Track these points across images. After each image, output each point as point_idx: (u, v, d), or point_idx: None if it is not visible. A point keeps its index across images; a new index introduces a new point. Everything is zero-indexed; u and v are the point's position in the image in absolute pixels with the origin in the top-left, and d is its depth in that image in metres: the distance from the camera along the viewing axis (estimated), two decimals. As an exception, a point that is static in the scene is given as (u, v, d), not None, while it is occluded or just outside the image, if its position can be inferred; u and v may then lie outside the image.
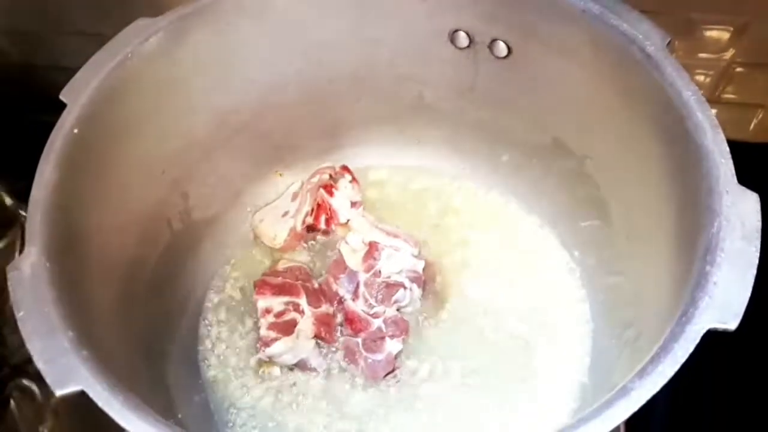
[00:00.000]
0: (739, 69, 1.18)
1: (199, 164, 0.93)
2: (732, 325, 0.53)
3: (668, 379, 0.50)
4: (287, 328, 0.85)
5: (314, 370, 0.88)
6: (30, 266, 0.59)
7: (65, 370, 0.53)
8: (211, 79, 0.86)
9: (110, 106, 0.74)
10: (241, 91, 0.91)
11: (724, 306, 0.54)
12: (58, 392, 0.51)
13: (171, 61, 0.79)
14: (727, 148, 0.64)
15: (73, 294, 0.60)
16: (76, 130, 0.70)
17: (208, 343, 0.91)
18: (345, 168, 1.03)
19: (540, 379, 0.87)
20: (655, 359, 0.52)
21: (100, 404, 0.50)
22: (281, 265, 0.94)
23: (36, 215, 0.63)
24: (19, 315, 0.56)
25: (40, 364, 0.52)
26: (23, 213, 0.98)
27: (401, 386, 0.86)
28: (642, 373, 0.51)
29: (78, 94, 0.72)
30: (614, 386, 0.53)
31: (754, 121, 1.23)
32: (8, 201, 1.07)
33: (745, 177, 0.63)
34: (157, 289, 0.85)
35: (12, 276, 0.58)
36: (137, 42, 0.76)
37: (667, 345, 0.53)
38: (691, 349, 0.52)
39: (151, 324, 0.81)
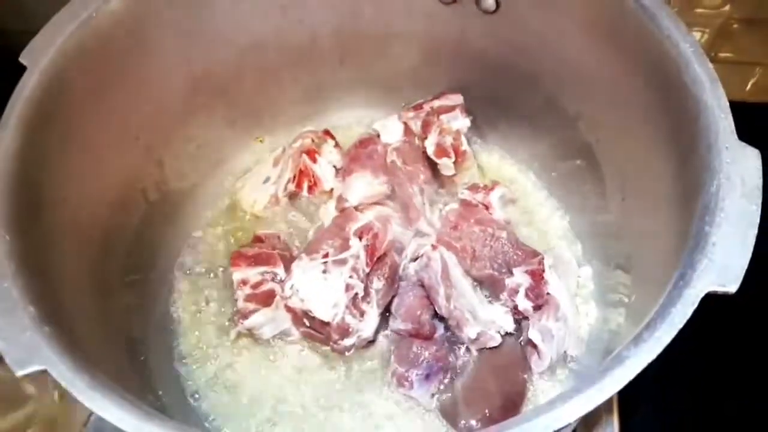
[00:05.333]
0: (735, 25, 1.14)
1: (175, 130, 0.89)
2: (732, 287, 0.51)
3: (665, 346, 0.48)
4: (265, 298, 0.82)
5: (295, 342, 0.85)
6: (-13, 239, 0.56)
7: (26, 348, 0.49)
8: (182, 39, 0.81)
9: (74, 68, 0.70)
10: (216, 53, 0.87)
11: (723, 268, 0.51)
12: (19, 372, 0.48)
13: (138, 20, 0.75)
14: (727, 103, 0.61)
15: (36, 268, 0.57)
16: (37, 94, 0.65)
17: (185, 316, 0.88)
18: (327, 132, 0.99)
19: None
20: (651, 325, 0.49)
21: (63, 384, 0.47)
22: (260, 232, 0.91)
23: (-6, 185, 0.59)
24: (-25, 291, 0.53)
25: (-1, 342, 0.49)
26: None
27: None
28: (637, 340, 0.49)
29: (39, 57, 0.68)
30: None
31: (752, 80, 1.19)
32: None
33: (742, 138, 0.59)
34: (133, 262, 0.82)
35: (-33, 250, 0.55)
36: (101, 0, 0.71)
37: (665, 309, 0.50)
38: (689, 313, 0.49)
39: (125, 298, 0.78)
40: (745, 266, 0.51)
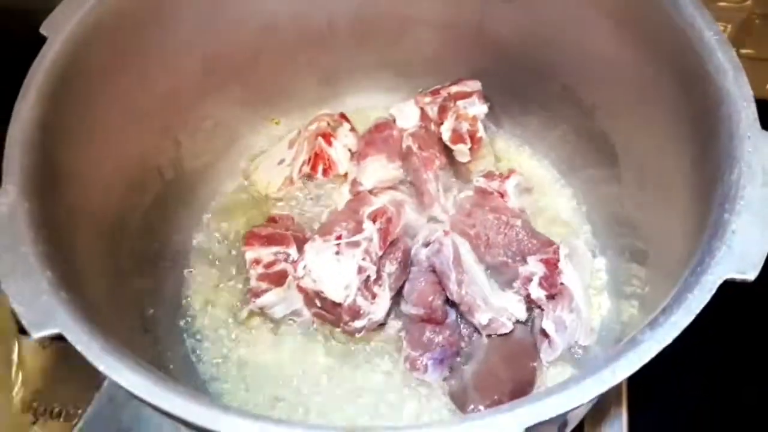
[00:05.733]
0: (757, 21, 1.13)
1: (191, 110, 0.89)
2: (751, 275, 0.50)
3: (681, 331, 0.47)
4: (278, 278, 0.82)
5: (306, 322, 0.85)
6: (7, 205, 0.56)
7: (42, 311, 0.50)
8: (199, 19, 0.81)
9: (93, 42, 0.70)
10: (232, 33, 0.87)
11: (742, 255, 0.51)
12: (35, 335, 0.48)
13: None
14: (750, 91, 0.60)
15: (53, 235, 0.57)
16: (56, 65, 0.65)
17: (196, 295, 0.88)
18: (343, 116, 0.99)
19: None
20: (667, 310, 0.49)
21: (78, 348, 0.47)
22: (273, 213, 0.91)
23: (14, 153, 0.60)
24: (-5, 254, 0.53)
25: (15, 305, 0.49)
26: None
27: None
28: (653, 324, 0.48)
29: (59, 28, 0.68)
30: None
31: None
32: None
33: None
34: (147, 238, 0.82)
35: (-13, 214, 0.55)
36: (121, -24, 0.72)
37: (681, 295, 0.49)
38: (706, 299, 0.49)
39: (138, 273, 0.78)
40: (765, 254, 0.50)
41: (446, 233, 0.84)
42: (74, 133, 0.68)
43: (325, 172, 0.95)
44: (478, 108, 0.90)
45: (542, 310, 0.82)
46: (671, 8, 0.68)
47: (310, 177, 0.96)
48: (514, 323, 0.82)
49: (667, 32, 0.68)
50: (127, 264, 0.76)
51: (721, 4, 1.11)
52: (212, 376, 0.82)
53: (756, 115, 0.58)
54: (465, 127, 0.89)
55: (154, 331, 0.78)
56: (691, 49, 0.65)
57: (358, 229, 0.84)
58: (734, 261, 0.50)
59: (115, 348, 0.48)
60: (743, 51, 1.17)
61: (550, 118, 0.94)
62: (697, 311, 0.48)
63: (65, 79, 0.66)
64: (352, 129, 0.98)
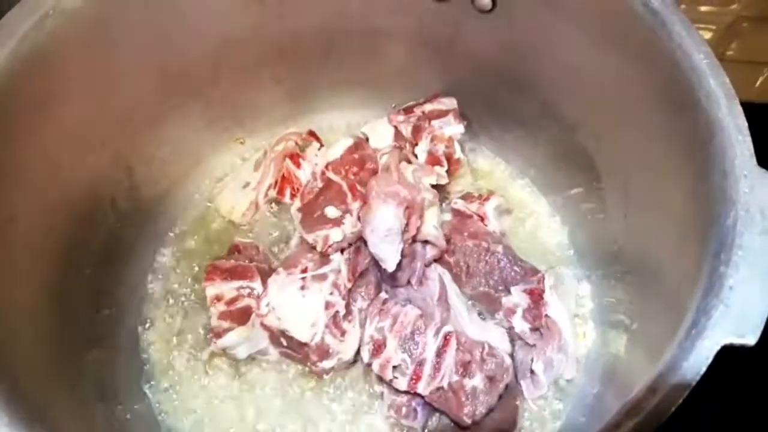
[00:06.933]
0: (745, 24, 1.09)
1: (146, 134, 0.82)
2: (751, 339, 0.45)
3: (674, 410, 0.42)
4: (241, 316, 0.76)
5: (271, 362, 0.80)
6: None
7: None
8: (150, 36, 0.75)
9: (30, 71, 0.64)
10: (189, 50, 0.80)
11: (741, 317, 0.46)
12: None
13: (100, 16, 0.68)
14: (745, 122, 0.55)
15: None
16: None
17: (156, 335, 0.83)
18: (312, 134, 0.93)
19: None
20: (659, 381, 0.44)
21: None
22: (237, 241, 0.85)
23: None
24: None
25: None
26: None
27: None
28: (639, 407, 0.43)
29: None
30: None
31: (760, 79, 1.14)
32: None
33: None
34: (98, 279, 0.76)
35: None
36: (57, -3, 0.65)
37: (675, 364, 0.45)
38: (702, 370, 0.44)
39: (89, 320, 0.73)
40: (766, 315, 0.46)
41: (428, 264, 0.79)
42: (9, 171, 0.62)
43: (292, 196, 0.89)
44: (454, 128, 0.85)
45: (526, 343, 0.78)
46: (657, 26, 0.63)
47: (276, 201, 0.90)
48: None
49: (654, 53, 0.64)
50: (75, 311, 0.70)
51: (703, 8, 1.06)
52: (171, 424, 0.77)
53: (752, 151, 0.54)
54: (441, 149, 0.83)
55: (107, 378, 0.72)
56: (680, 72, 0.61)
57: (325, 260, 0.78)
58: (732, 322, 0.46)
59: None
60: (728, 54, 1.14)
61: (530, 134, 0.89)
62: (694, 383, 0.43)
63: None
64: (321, 147, 0.92)
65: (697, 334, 0.46)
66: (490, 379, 0.72)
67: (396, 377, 0.73)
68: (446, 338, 0.73)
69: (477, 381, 0.72)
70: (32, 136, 0.65)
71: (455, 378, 0.72)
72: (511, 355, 0.79)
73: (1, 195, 0.60)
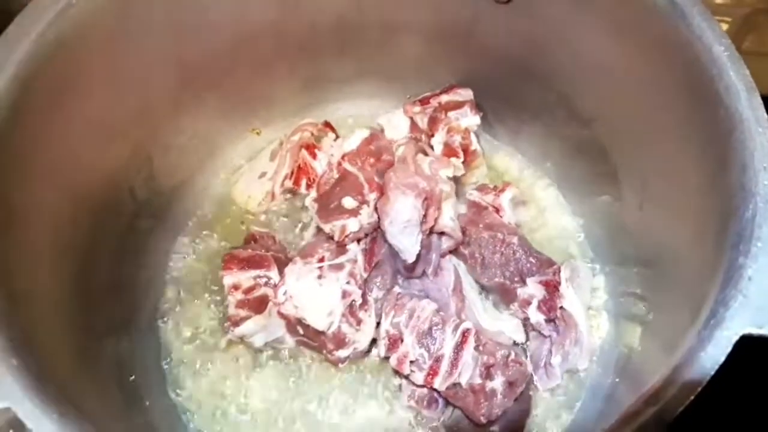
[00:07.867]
0: (761, 16, 1.08)
1: (165, 124, 0.83)
2: (770, 330, 0.46)
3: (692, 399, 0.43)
4: (258, 304, 0.77)
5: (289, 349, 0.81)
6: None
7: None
8: (172, 28, 0.75)
9: (52, 61, 0.64)
10: (209, 43, 0.80)
11: (760, 307, 0.46)
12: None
13: (122, 7, 0.68)
14: (765, 115, 0.55)
15: (5, 289, 0.52)
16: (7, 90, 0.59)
17: (172, 324, 0.83)
18: (328, 125, 0.94)
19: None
20: (677, 370, 0.45)
21: (29, 425, 0.43)
22: (254, 230, 0.86)
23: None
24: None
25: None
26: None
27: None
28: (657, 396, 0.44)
29: (13, 48, 0.61)
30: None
31: (777, 72, 1.13)
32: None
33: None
34: (119, 268, 0.77)
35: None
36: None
37: (693, 354, 0.45)
38: (721, 359, 0.44)
39: (111, 308, 0.74)
40: (786, 305, 0.46)
41: (443, 255, 0.80)
42: (27, 165, 0.62)
43: (308, 186, 0.89)
44: (470, 119, 0.85)
45: (540, 333, 0.79)
46: (677, 18, 0.63)
47: (292, 191, 0.91)
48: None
49: (672, 44, 0.64)
50: (96, 300, 0.71)
51: (719, 0, 1.06)
52: (190, 412, 0.79)
53: (773, 144, 0.53)
54: (458, 140, 0.83)
55: (128, 369, 0.74)
56: (700, 65, 0.60)
57: (342, 250, 0.79)
58: (751, 313, 0.46)
59: (72, 420, 0.44)
60: (744, 46, 1.13)
61: (547, 126, 0.89)
62: (713, 372, 0.44)
63: (20, 104, 0.61)
64: (337, 138, 0.93)
65: (715, 325, 0.46)
66: (510, 384, 0.73)
67: (413, 371, 0.74)
68: (464, 335, 0.74)
69: (497, 384, 0.73)
70: (55, 126, 0.66)
71: (478, 381, 0.73)
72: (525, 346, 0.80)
73: (25, 185, 0.61)
